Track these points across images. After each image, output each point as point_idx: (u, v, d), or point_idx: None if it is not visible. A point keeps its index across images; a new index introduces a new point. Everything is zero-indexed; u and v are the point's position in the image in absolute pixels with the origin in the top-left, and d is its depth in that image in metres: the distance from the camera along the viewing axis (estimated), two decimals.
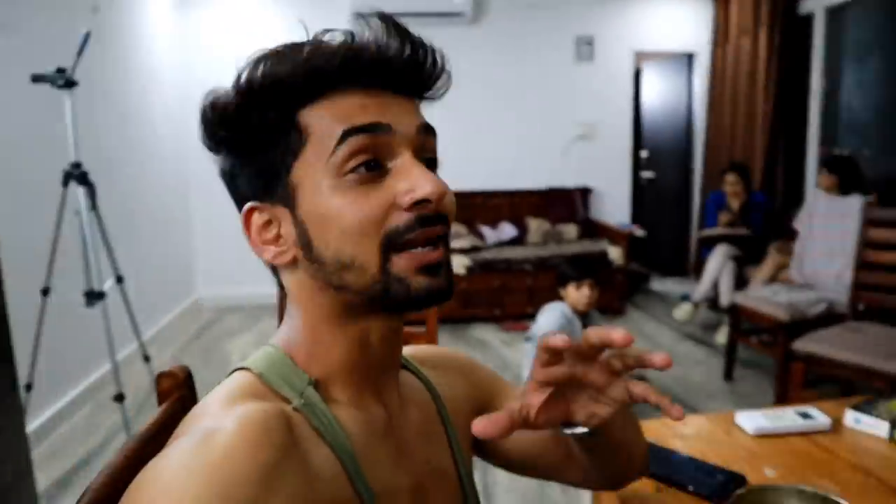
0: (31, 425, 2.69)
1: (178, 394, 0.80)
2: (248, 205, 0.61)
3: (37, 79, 2.50)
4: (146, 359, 2.84)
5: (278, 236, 0.60)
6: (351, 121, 0.56)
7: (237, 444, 0.48)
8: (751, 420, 1.25)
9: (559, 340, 0.54)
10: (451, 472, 0.71)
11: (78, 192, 2.55)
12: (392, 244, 0.56)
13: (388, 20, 0.58)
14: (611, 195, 5.96)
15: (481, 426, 0.57)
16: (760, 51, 5.08)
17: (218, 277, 5.44)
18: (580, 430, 0.63)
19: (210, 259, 5.42)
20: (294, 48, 0.57)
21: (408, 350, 0.78)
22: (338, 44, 0.57)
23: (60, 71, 2.52)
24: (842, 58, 4.70)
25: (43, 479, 2.52)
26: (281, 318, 2.18)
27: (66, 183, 2.57)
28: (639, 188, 6.55)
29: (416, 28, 0.63)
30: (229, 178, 0.63)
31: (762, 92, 5.07)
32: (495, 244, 5.30)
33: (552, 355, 0.56)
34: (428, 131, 0.61)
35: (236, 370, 0.62)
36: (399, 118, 0.58)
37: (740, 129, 5.35)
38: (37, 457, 2.65)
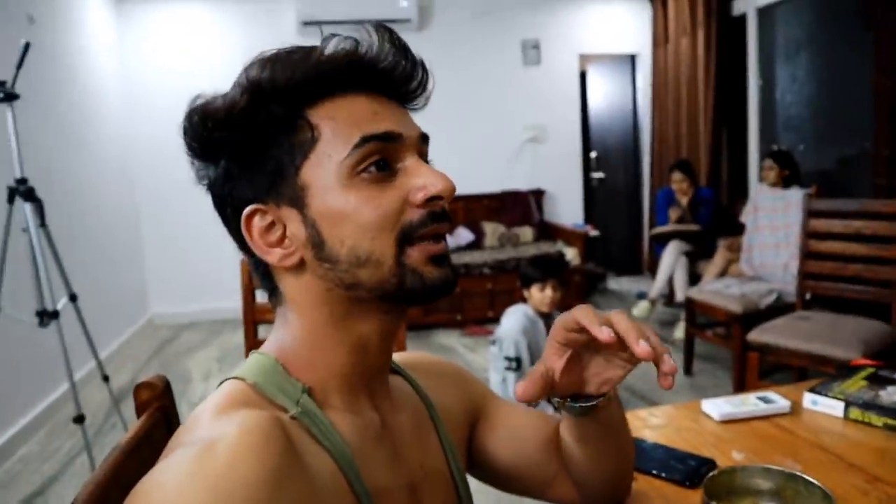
0: None
1: (158, 404, 0.79)
2: (251, 207, 0.60)
3: None
4: (105, 378, 2.76)
5: (283, 237, 0.60)
6: (367, 127, 0.58)
7: (240, 452, 0.48)
8: (716, 407, 1.30)
9: (605, 335, 0.58)
10: (446, 476, 0.72)
11: (25, 208, 2.47)
12: (407, 238, 0.59)
13: (387, 32, 0.61)
14: (563, 197, 6.05)
15: (522, 389, 0.62)
16: (699, 50, 5.25)
17: (172, 294, 5.33)
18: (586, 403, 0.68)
19: (163, 276, 5.31)
20: (302, 51, 0.59)
21: (400, 356, 0.79)
22: (346, 49, 0.59)
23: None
24: (775, 56, 4.89)
25: None
26: (248, 330, 2.14)
27: (11, 199, 2.49)
28: (590, 189, 6.67)
29: None
30: (223, 182, 0.61)
31: (703, 90, 5.23)
32: (453, 249, 5.31)
33: (579, 329, 0.62)
34: (425, 140, 0.64)
35: (227, 380, 0.61)
36: (405, 126, 0.62)
37: (684, 126, 5.51)
38: None
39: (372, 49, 0.60)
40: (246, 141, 0.59)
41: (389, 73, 0.61)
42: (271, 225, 0.60)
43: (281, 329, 0.64)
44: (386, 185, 0.59)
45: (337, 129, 0.58)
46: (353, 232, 0.58)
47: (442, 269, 0.60)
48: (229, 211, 0.62)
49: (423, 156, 0.64)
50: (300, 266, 0.60)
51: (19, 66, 2.45)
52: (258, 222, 0.60)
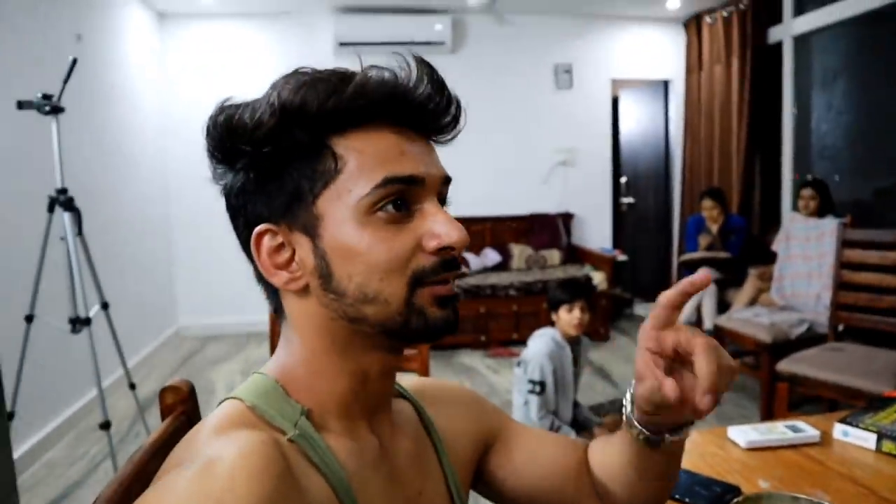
0: (14, 455, 2.63)
1: (183, 408, 0.80)
2: (263, 226, 0.60)
3: (22, 105, 2.50)
4: (132, 386, 2.80)
5: (290, 261, 0.60)
6: (392, 168, 0.58)
7: (239, 475, 0.47)
8: (743, 434, 1.27)
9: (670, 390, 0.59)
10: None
11: (64, 217, 2.54)
12: (418, 282, 0.59)
13: (427, 67, 0.60)
14: (592, 221, 6.03)
15: (666, 296, 0.63)
16: (733, 78, 5.22)
17: (200, 307, 5.41)
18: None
19: (191, 288, 5.39)
20: (337, 77, 0.58)
21: (410, 382, 0.78)
22: (382, 82, 0.58)
23: (47, 97, 2.52)
24: (811, 84, 4.84)
25: None
26: (273, 345, 2.17)
27: (51, 209, 2.55)
28: (619, 214, 6.63)
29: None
30: (238, 193, 0.61)
31: (736, 118, 5.19)
32: (480, 270, 5.32)
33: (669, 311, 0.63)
34: (446, 181, 0.64)
35: (226, 399, 0.61)
36: (429, 169, 0.61)
37: (717, 153, 5.46)
38: (19, 487, 2.59)
39: (408, 82, 0.59)
40: (268, 160, 0.58)
41: (422, 108, 0.60)
42: (280, 246, 0.60)
43: (284, 349, 0.64)
44: (401, 226, 0.58)
45: (362, 165, 0.57)
46: (363, 270, 0.57)
47: (445, 311, 0.60)
48: (241, 221, 0.62)
49: (443, 196, 0.64)
50: (304, 291, 0.60)
51: (66, 80, 2.53)
52: (268, 242, 0.60)
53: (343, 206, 0.57)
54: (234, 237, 0.64)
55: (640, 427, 0.68)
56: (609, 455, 0.78)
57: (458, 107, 0.63)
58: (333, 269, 0.58)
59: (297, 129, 0.57)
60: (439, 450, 0.73)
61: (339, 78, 0.58)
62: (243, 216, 0.61)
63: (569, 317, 2.70)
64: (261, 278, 0.63)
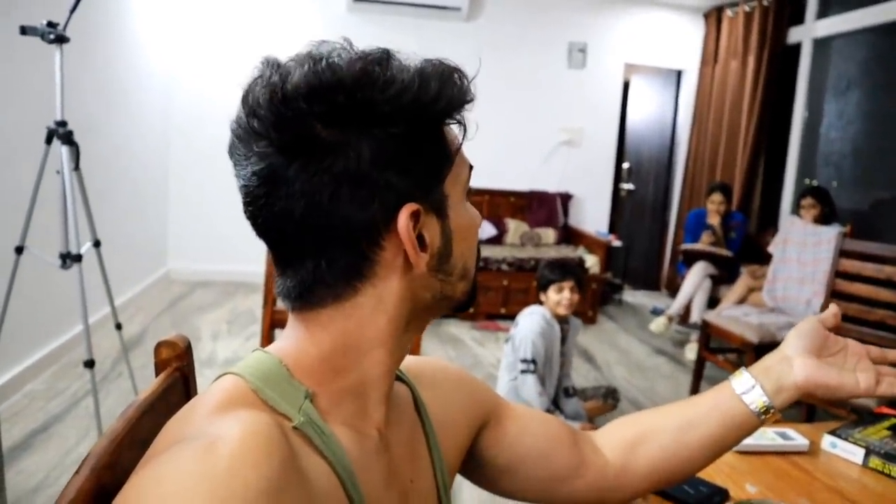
0: None
1: (178, 364, 0.78)
2: (415, 204, 0.56)
3: (26, 31, 2.42)
4: (118, 327, 2.77)
5: (423, 241, 0.58)
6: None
7: (242, 456, 0.46)
8: None
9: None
10: (432, 492, 0.71)
11: (62, 151, 2.48)
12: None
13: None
14: (590, 203, 6.01)
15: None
16: (748, 75, 5.17)
17: (191, 251, 5.38)
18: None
19: (184, 232, 5.35)
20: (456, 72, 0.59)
21: (407, 363, 0.76)
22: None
23: (52, 25, 2.44)
24: (825, 90, 4.81)
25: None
26: (268, 295, 2.12)
27: (49, 140, 2.49)
28: (618, 199, 6.62)
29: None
30: (374, 160, 0.54)
31: (746, 114, 5.16)
32: None
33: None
34: None
35: (226, 374, 0.58)
36: None
37: (723, 148, 5.44)
38: None
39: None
40: (425, 129, 0.57)
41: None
42: (418, 226, 0.57)
43: (299, 339, 0.60)
44: None
45: (459, 152, 0.61)
46: (470, 248, 0.62)
47: None
48: (366, 193, 0.55)
49: None
50: (407, 272, 0.58)
51: (73, 9, 2.45)
52: (411, 221, 0.56)
53: (459, 187, 0.61)
54: (229, 186, 0.60)
55: (768, 398, 0.76)
56: (679, 418, 0.83)
57: None
58: (453, 249, 0.60)
59: (448, 106, 0.57)
60: (430, 435, 0.72)
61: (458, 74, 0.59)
62: (381, 190, 0.55)
63: (558, 297, 2.70)
64: (339, 262, 0.57)
